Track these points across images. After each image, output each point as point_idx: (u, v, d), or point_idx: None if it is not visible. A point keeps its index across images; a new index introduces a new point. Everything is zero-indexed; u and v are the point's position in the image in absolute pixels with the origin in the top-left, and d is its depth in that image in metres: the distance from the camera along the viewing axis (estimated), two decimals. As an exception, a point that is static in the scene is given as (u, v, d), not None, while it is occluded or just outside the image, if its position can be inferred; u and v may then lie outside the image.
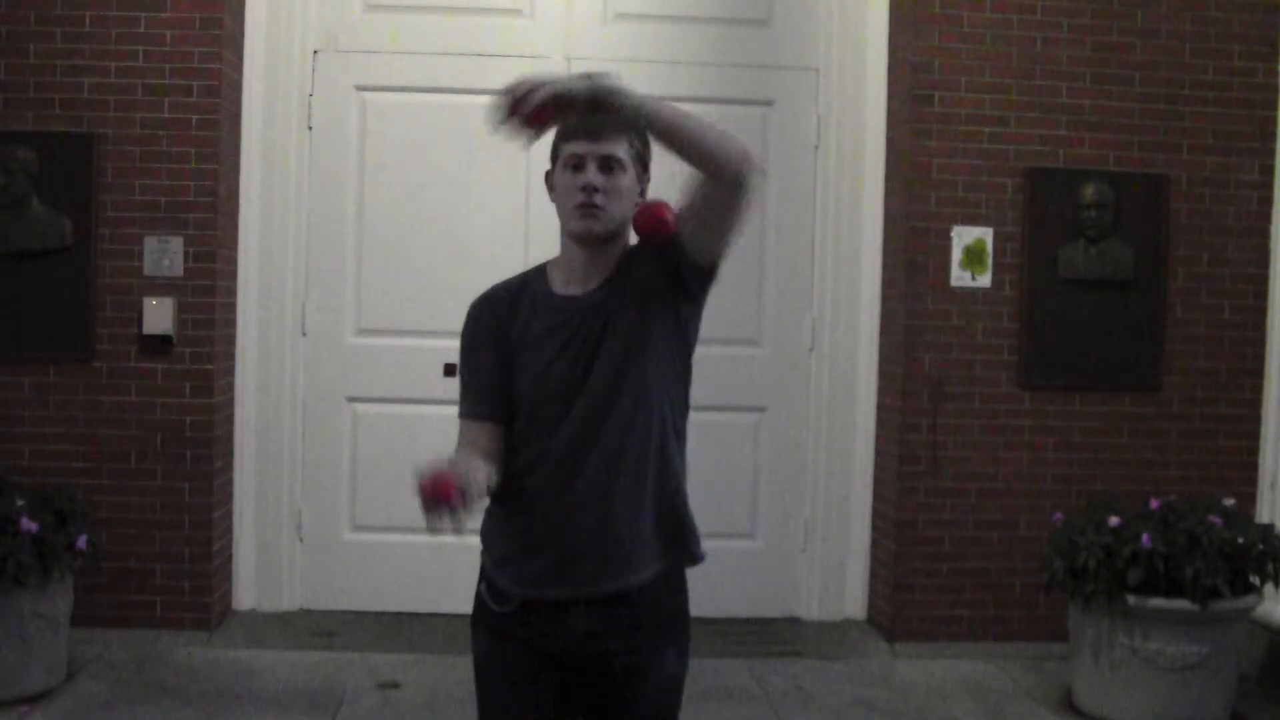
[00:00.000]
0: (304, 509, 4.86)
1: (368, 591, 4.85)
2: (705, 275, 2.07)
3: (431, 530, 1.84)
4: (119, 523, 4.35)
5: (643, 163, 2.10)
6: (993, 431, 4.65)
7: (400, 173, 4.82)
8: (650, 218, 2.04)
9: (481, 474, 1.95)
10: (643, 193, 2.11)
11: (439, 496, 1.80)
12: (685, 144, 1.91)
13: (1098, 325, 4.66)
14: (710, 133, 1.92)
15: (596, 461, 2.05)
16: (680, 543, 2.15)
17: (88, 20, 4.36)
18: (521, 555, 2.11)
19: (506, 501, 2.11)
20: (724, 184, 1.94)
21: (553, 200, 2.12)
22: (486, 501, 2.08)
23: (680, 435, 2.15)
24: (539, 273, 2.17)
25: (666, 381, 2.10)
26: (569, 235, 2.09)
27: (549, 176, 2.12)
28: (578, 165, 2.04)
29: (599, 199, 2.03)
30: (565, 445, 2.05)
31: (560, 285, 2.11)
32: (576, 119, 1.95)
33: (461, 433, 2.14)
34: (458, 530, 1.84)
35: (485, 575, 2.17)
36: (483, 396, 2.12)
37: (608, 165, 2.04)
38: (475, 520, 2.18)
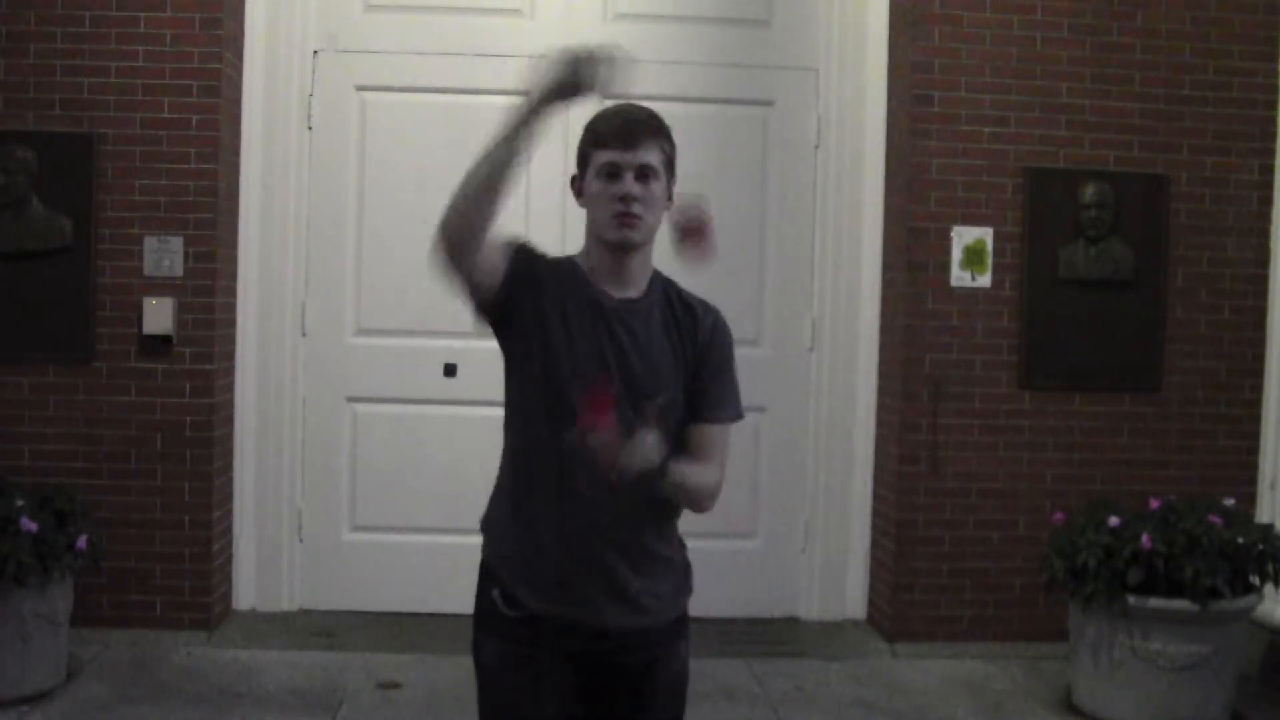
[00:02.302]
0: (304, 509, 4.86)
1: (368, 591, 4.85)
2: None
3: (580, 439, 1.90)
4: (119, 523, 4.35)
5: (672, 167, 2.10)
6: (993, 431, 4.65)
7: (400, 173, 4.81)
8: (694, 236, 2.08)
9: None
10: (670, 195, 2.11)
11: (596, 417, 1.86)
12: (681, 499, 2.10)
13: (1098, 325, 4.66)
14: (701, 498, 2.12)
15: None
16: (683, 559, 2.18)
17: (88, 20, 4.36)
18: (532, 558, 2.07)
19: (518, 496, 2.08)
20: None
21: (581, 206, 2.10)
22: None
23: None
24: (574, 263, 2.13)
25: (678, 404, 2.11)
26: (604, 243, 2.07)
27: (575, 182, 2.11)
28: (613, 174, 2.03)
29: (637, 208, 2.02)
30: (582, 455, 2.00)
31: (595, 283, 2.10)
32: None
33: None
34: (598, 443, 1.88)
35: (495, 579, 2.12)
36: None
37: (644, 174, 2.03)
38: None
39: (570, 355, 2.03)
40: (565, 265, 2.11)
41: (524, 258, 2.06)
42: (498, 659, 2.11)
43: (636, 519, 2.08)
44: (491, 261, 2.00)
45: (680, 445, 2.11)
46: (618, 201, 2.02)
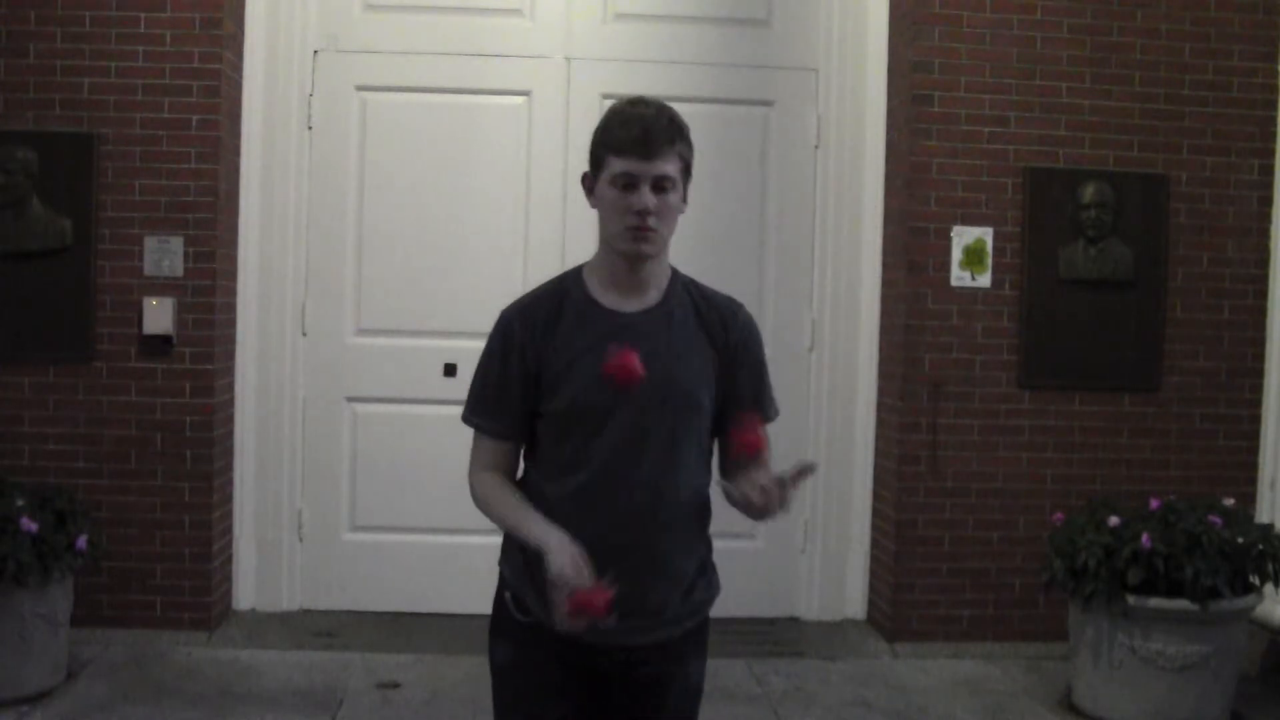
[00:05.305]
0: (304, 509, 4.86)
1: (368, 591, 4.85)
2: None
3: (565, 628, 1.92)
4: (119, 523, 4.35)
5: (689, 170, 2.04)
6: (993, 431, 4.65)
7: (400, 173, 4.82)
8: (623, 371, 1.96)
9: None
10: (685, 198, 2.05)
11: (587, 609, 1.86)
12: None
13: (1098, 325, 4.66)
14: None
15: (644, 485, 2.00)
16: (711, 571, 2.16)
17: (88, 20, 4.36)
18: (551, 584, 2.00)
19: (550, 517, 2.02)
20: None
21: (593, 207, 2.05)
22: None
23: (709, 463, 2.13)
24: (576, 279, 2.08)
25: (705, 409, 2.07)
26: (618, 254, 2.02)
27: (587, 179, 2.04)
28: (629, 185, 1.96)
29: (652, 221, 1.97)
30: (610, 464, 1.99)
31: (603, 296, 2.05)
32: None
33: (481, 450, 2.08)
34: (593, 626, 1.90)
35: (508, 584, 2.11)
36: (506, 416, 2.05)
37: (660, 185, 1.97)
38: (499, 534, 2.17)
39: (588, 384, 1.98)
40: (553, 297, 2.06)
41: (513, 343, 2.04)
42: (508, 662, 2.10)
43: (672, 530, 2.05)
44: (518, 431, 2.08)
45: (721, 450, 2.10)
46: (633, 214, 1.96)
